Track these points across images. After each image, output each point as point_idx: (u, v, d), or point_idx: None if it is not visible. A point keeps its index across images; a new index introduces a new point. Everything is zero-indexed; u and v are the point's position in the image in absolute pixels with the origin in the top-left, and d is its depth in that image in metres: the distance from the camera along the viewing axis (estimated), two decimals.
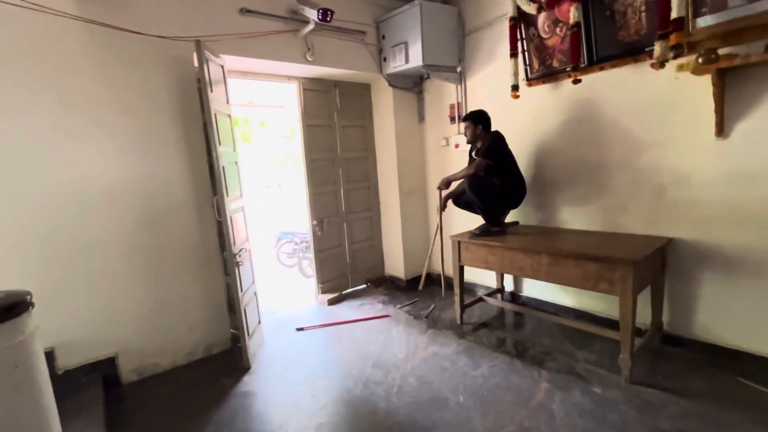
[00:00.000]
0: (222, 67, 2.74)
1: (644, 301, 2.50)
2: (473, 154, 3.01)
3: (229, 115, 2.82)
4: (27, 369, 1.05)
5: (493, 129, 2.94)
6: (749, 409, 1.93)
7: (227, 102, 2.80)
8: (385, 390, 2.32)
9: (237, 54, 2.81)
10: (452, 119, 3.74)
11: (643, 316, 2.53)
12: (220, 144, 2.52)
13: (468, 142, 3.04)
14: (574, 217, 2.96)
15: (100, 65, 2.36)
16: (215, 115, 2.49)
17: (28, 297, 1.07)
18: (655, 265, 2.41)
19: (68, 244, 2.32)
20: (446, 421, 2.01)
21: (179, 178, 2.68)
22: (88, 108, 2.34)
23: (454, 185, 3.06)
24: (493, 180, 2.81)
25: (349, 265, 4.07)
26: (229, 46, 2.77)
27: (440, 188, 3.03)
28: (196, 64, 2.54)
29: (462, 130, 3.62)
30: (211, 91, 2.48)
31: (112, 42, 2.38)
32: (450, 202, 3.18)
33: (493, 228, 2.90)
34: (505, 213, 3.07)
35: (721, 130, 2.21)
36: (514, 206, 3.01)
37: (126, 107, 2.46)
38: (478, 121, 2.91)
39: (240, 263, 2.63)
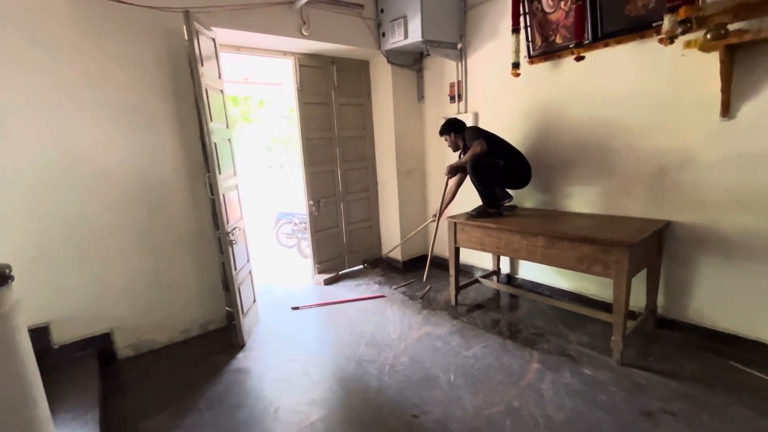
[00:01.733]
0: (213, 40, 2.66)
1: (639, 284, 2.49)
2: (461, 155, 3.08)
3: (222, 91, 2.76)
4: (8, 343, 1.05)
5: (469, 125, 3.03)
6: (738, 391, 1.94)
7: (219, 77, 2.73)
8: (377, 368, 2.34)
9: (229, 27, 2.72)
10: (452, 98, 3.65)
11: (638, 299, 2.53)
12: (211, 120, 2.47)
13: (454, 150, 3.13)
14: (573, 200, 2.92)
15: (87, 36, 2.29)
16: (206, 90, 2.42)
17: (7, 270, 1.05)
18: (652, 248, 2.38)
19: (60, 219, 2.31)
20: (436, 399, 2.03)
21: (171, 155, 2.64)
22: (76, 81, 2.28)
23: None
24: (497, 161, 2.80)
25: (345, 246, 4.06)
26: (221, 18, 2.68)
27: (447, 175, 3.00)
28: (186, 36, 2.46)
29: (461, 110, 3.57)
30: (202, 65, 2.41)
31: (99, 12, 2.30)
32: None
33: (491, 209, 2.87)
34: (506, 196, 3.04)
35: (727, 110, 2.14)
36: (521, 186, 2.94)
37: (114, 81, 2.40)
38: (452, 128, 3.02)
39: (234, 242, 2.62)
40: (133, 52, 2.44)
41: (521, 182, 2.92)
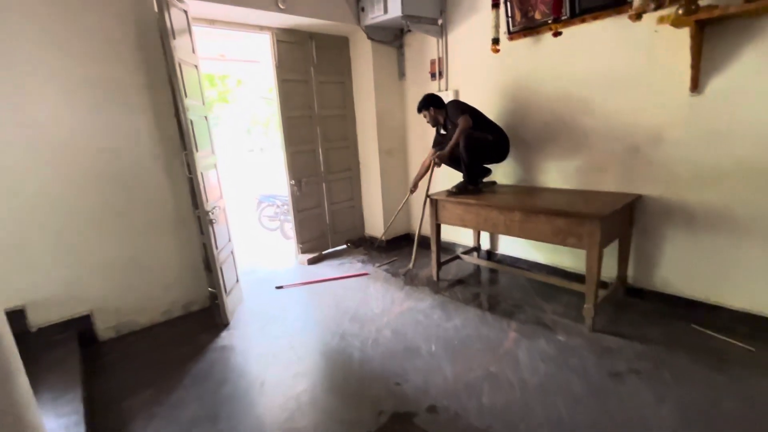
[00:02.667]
0: (185, 12, 2.55)
1: (611, 255, 2.60)
2: (442, 131, 3.09)
3: (197, 66, 2.67)
4: None
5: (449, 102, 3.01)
6: (697, 351, 2.08)
7: (193, 51, 2.64)
8: (360, 342, 2.40)
9: None
10: (433, 75, 3.63)
11: (610, 270, 2.64)
12: (186, 96, 2.40)
13: (433, 126, 3.11)
14: (549, 176, 2.99)
15: (49, 6, 2.16)
16: (179, 65, 2.35)
17: None
18: (623, 220, 2.48)
19: (32, 201, 2.23)
20: (418, 368, 2.11)
21: (145, 133, 2.56)
22: (38, 54, 2.17)
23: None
24: (487, 135, 2.83)
25: (328, 226, 4.07)
26: None
27: (437, 165, 2.99)
28: (156, 8, 2.36)
29: (442, 87, 3.56)
30: (174, 38, 2.33)
31: None
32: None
33: (470, 186, 2.91)
34: (486, 171, 3.06)
35: (696, 85, 2.20)
36: (501, 159, 2.97)
37: (81, 54, 2.29)
38: (430, 104, 2.99)
39: (214, 221, 2.59)
40: (98, 24, 2.32)
41: (502, 155, 2.95)
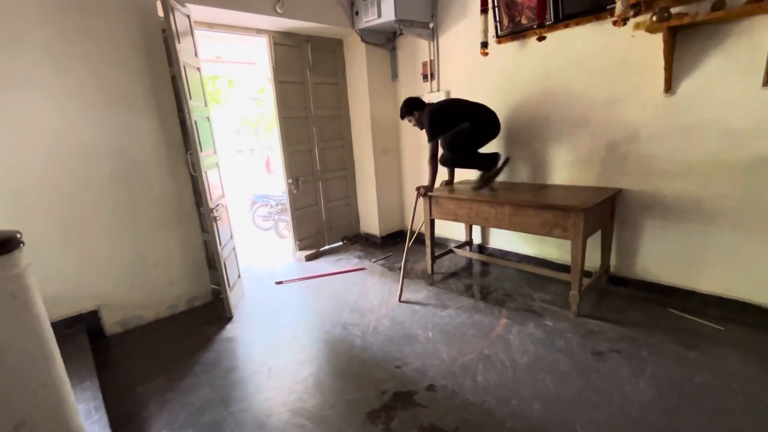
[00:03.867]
0: (188, 17, 2.65)
1: (595, 246, 2.78)
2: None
3: (199, 69, 2.77)
4: (25, 301, 1.13)
5: (427, 106, 3.04)
6: (673, 332, 2.26)
7: (195, 55, 2.73)
8: (361, 330, 2.52)
9: (203, 3, 2.71)
10: (425, 77, 3.77)
11: (594, 260, 2.82)
12: (191, 98, 2.49)
13: (420, 128, 3.12)
14: (537, 173, 3.15)
15: (56, 10, 2.24)
16: (184, 67, 2.44)
17: (19, 235, 1.13)
18: (605, 213, 2.66)
19: (41, 199, 2.31)
20: (416, 352, 2.24)
21: (149, 133, 2.65)
22: (49, 57, 2.24)
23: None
24: (460, 127, 2.89)
25: (325, 223, 4.18)
26: None
27: (424, 196, 3.08)
28: (160, 12, 2.46)
29: (434, 88, 3.71)
30: (179, 41, 2.42)
31: None
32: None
33: (490, 173, 2.97)
34: (493, 156, 3.01)
35: (669, 86, 2.39)
36: (493, 135, 2.99)
37: (87, 57, 2.37)
38: (412, 108, 3.04)
39: (218, 218, 2.69)
40: (105, 28, 2.41)
41: (491, 132, 2.96)
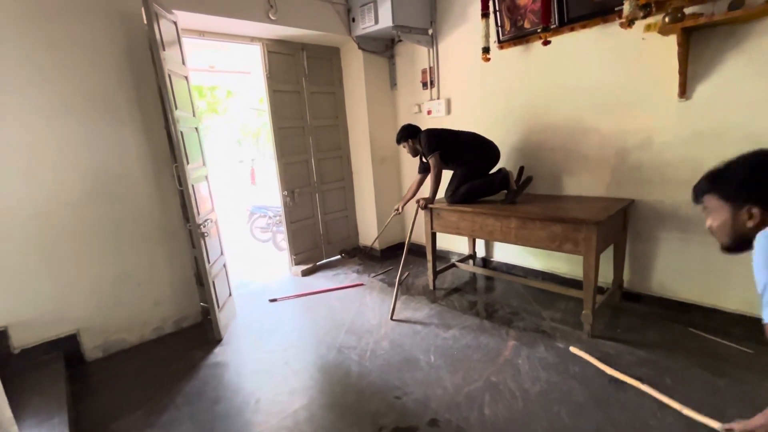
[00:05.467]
0: (175, 24, 2.53)
1: (607, 260, 2.60)
2: (423, 159, 3.06)
3: (186, 78, 2.64)
4: None
5: (424, 129, 2.98)
6: (696, 355, 2.07)
7: (183, 63, 2.61)
8: (358, 354, 2.35)
9: (191, 9, 2.60)
10: (425, 85, 3.65)
11: (606, 275, 2.64)
12: (177, 108, 2.36)
13: (414, 156, 3.09)
14: (543, 183, 2.99)
15: (36, 18, 2.13)
16: (169, 76, 2.32)
17: None
18: (618, 225, 2.49)
19: (15, 218, 2.16)
20: (417, 379, 2.06)
21: (134, 145, 2.52)
22: (23, 66, 2.12)
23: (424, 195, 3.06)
24: (465, 166, 2.86)
25: (322, 236, 4.03)
26: (183, 0, 2.55)
27: (424, 208, 2.98)
28: (145, 20, 2.34)
29: (433, 96, 3.58)
30: (164, 50, 2.30)
31: None
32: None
33: (510, 196, 2.73)
34: (506, 177, 2.81)
35: (684, 91, 2.24)
36: (494, 164, 2.92)
37: (68, 66, 2.25)
38: (408, 135, 2.98)
39: (206, 234, 2.54)
40: (87, 36, 2.29)
41: (492, 162, 2.91)
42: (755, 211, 1.01)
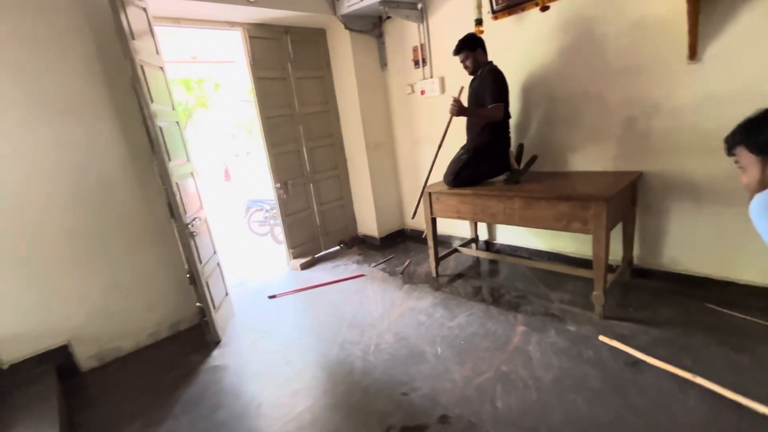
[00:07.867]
0: (145, 10, 2.36)
1: (615, 237, 2.49)
2: (471, 90, 2.67)
3: (162, 68, 2.48)
4: None
5: (490, 62, 2.61)
6: (715, 331, 1.98)
7: (157, 53, 2.44)
8: (361, 350, 2.26)
9: None
10: (416, 63, 3.47)
11: (615, 252, 2.53)
12: (152, 101, 2.21)
13: (471, 73, 2.68)
14: (545, 159, 2.85)
15: None
16: (142, 67, 2.16)
17: None
18: (627, 200, 2.37)
19: None
20: (424, 374, 1.98)
21: (112, 144, 2.38)
22: None
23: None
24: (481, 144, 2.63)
25: (319, 228, 3.91)
26: None
27: (453, 112, 2.52)
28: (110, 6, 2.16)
29: (426, 75, 3.40)
30: (134, 39, 2.14)
31: None
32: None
33: (516, 171, 2.59)
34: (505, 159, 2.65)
35: (694, 53, 2.09)
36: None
37: (34, 63, 2.09)
38: (472, 45, 2.57)
39: (195, 234, 2.42)
40: (50, 29, 2.13)
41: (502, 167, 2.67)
42: None
